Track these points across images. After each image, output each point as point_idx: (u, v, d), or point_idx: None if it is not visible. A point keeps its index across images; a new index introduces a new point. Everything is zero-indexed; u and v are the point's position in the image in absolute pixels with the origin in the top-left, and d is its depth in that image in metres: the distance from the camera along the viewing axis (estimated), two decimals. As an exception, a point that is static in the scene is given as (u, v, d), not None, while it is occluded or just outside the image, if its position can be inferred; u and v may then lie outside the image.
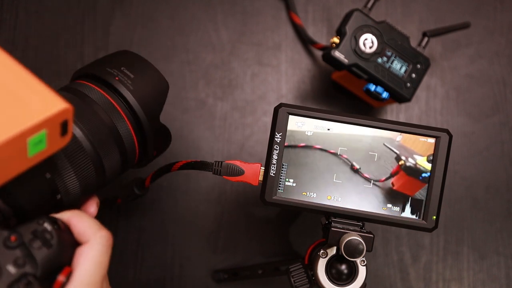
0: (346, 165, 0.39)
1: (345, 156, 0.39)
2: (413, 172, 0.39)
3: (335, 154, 0.39)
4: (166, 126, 0.41)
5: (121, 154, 0.37)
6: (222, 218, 0.54)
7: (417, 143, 0.39)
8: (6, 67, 0.27)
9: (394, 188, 0.39)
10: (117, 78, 0.36)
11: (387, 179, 0.39)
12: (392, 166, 0.39)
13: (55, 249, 0.28)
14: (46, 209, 0.32)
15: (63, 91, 0.37)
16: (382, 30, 0.48)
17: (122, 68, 0.37)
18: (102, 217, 0.53)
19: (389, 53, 0.48)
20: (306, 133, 0.39)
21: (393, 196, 0.39)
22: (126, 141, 0.37)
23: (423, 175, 0.39)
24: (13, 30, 0.55)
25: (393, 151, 0.39)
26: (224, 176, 0.40)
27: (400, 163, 0.39)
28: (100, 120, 0.35)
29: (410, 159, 0.39)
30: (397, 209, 0.39)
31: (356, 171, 0.39)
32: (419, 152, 0.39)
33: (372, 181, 0.39)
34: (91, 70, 0.38)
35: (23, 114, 0.25)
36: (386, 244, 0.55)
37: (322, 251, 0.38)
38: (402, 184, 0.39)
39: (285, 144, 0.38)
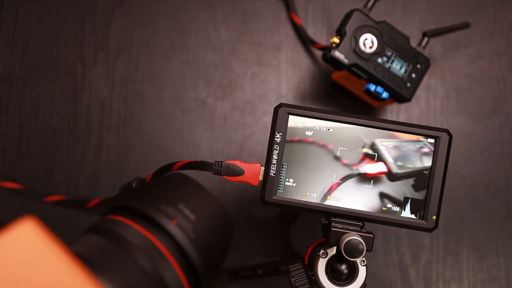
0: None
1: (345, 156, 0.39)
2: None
3: (335, 154, 0.39)
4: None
5: None
6: (222, 218, 0.54)
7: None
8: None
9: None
10: (174, 222, 0.28)
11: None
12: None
13: None
14: None
15: (93, 233, 0.28)
16: (382, 30, 0.48)
17: (179, 206, 0.29)
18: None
19: (389, 53, 0.48)
20: (306, 133, 0.39)
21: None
22: None
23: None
24: (13, 30, 0.55)
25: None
26: (224, 176, 0.40)
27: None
28: (144, 273, 0.26)
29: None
30: (397, 209, 0.39)
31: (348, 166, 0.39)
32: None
33: (372, 181, 0.39)
34: (136, 204, 0.28)
35: None
36: (386, 244, 0.55)
37: (322, 251, 0.38)
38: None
39: (289, 139, 0.38)
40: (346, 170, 0.39)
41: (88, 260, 0.25)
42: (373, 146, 0.39)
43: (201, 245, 0.28)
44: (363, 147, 0.39)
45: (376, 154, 0.39)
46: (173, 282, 0.27)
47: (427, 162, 0.39)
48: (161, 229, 0.27)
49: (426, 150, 0.39)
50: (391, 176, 0.39)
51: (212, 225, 0.29)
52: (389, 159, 0.39)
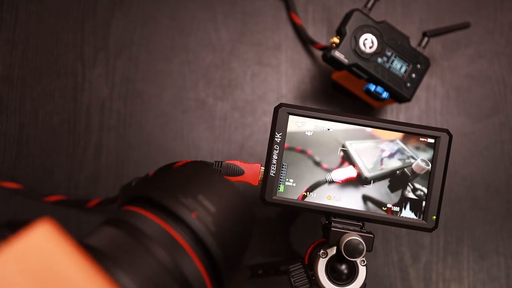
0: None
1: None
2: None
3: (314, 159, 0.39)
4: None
5: None
6: (222, 218, 0.54)
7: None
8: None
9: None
10: (194, 215, 0.27)
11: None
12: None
13: None
14: None
15: (111, 226, 0.27)
16: (382, 30, 0.48)
17: (199, 197, 0.28)
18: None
19: (389, 53, 0.48)
20: (306, 133, 0.39)
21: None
22: None
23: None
24: (13, 30, 0.55)
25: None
26: (224, 176, 0.40)
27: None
28: (163, 267, 0.25)
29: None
30: (397, 209, 0.39)
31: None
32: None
33: (372, 181, 0.39)
34: (154, 195, 0.28)
35: None
36: (386, 244, 0.55)
37: (322, 251, 0.38)
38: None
39: (286, 146, 0.38)
40: (323, 175, 0.38)
41: (105, 254, 0.25)
42: (344, 148, 0.38)
43: (221, 239, 0.27)
44: (341, 149, 0.38)
45: (348, 157, 0.38)
46: (192, 275, 0.26)
47: (397, 163, 0.38)
48: (181, 222, 0.27)
49: (386, 154, 0.38)
50: (362, 180, 0.38)
51: (233, 217, 0.29)
52: (359, 162, 0.38)
